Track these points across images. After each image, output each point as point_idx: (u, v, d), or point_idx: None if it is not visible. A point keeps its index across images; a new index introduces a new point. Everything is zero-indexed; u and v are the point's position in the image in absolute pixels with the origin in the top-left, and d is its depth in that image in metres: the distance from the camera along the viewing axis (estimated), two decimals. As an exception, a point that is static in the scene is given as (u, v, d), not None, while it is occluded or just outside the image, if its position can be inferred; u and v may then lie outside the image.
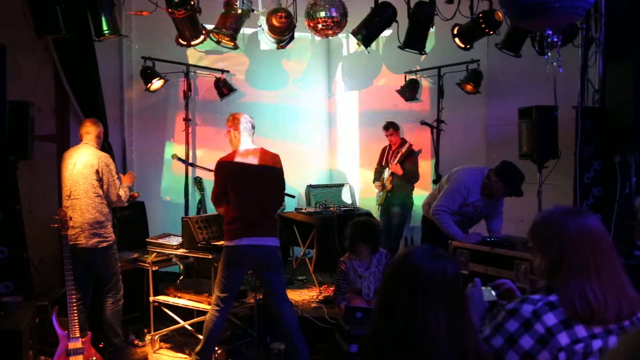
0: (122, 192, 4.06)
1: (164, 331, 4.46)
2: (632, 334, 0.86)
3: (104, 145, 4.65)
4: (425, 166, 6.21)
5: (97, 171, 3.92)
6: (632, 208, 3.92)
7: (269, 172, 3.72)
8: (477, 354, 1.42)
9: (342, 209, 5.98)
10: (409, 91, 6.23)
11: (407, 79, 6.27)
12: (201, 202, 5.89)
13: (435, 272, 1.41)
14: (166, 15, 4.31)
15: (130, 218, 5.06)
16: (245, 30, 5.19)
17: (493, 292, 1.88)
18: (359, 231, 4.20)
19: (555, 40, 3.18)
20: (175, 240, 4.35)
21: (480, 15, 4.65)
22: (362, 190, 7.09)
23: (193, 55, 5.87)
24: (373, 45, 4.97)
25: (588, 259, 1.56)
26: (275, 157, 3.80)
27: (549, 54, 3.53)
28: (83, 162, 3.93)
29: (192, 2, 4.25)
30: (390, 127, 6.22)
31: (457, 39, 4.92)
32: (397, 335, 1.39)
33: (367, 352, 1.47)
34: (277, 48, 4.93)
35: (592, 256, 1.56)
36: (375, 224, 4.47)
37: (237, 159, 3.68)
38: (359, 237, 4.18)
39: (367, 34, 4.74)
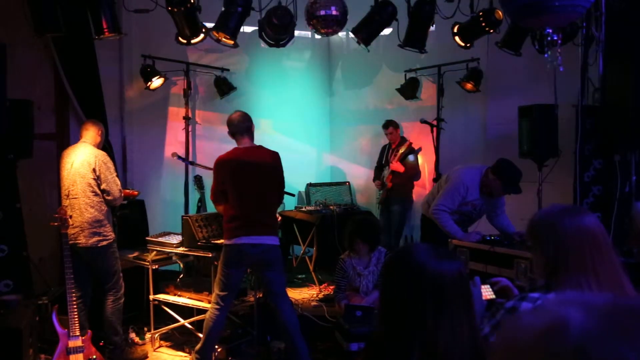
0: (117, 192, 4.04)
1: (164, 329, 4.46)
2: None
3: (105, 144, 4.65)
4: (425, 165, 6.21)
5: (94, 170, 3.91)
6: (630, 213, 3.92)
7: (268, 170, 3.72)
8: (481, 353, 1.41)
9: (342, 207, 5.98)
10: (409, 90, 6.23)
11: (407, 78, 6.27)
12: (201, 201, 5.89)
13: (438, 272, 1.40)
14: (166, 13, 4.31)
15: (130, 216, 5.06)
16: (245, 29, 5.18)
17: (491, 290, 1.88)
18: (357, 229, 4.21)
19: (555, 38, 3.18)
20: (175, 239, 4.35)
21: (481, 13, 4.65)
22: (362, 189, 7.09)
23: (193, 54, 5.87)
24: (373, 43, 4.94)
25: (586, 257, 1.56)
26: (275, 155, 3.79)
27: (549, 52, 3.53)
28: (80, 161, 3.92)
29: (192, 0, 4.25)
30: (390, 126, 6.22)
31: (457, 38, 4.91)
32: (403, 338, 1.36)
33: (371, 353, 1.46)
34: (277, 46, 4.92)
35: (589, 255, 1.56)
36: (375, 222, 4.48)
37: (236, 157, 3.68)
38: (357, 235, 4.19)
39: (367, 32, 4.74)
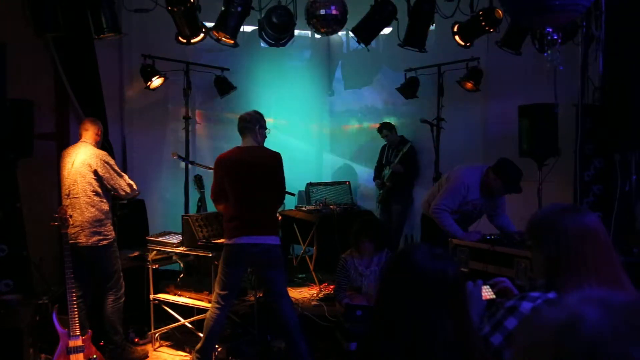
0: (127, 187, 4.07)
1: (165, 329, 4.46)
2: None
3: (104, 144, 4.65)
4: (425, 164, 6.20)
5: (95, 170, 3.91)
6: (634, 215, 3.92)
7: (268, 171, 3.72)
8: (480, 354, 1.41)
9: (342, 207, 5.98)
10: (409, 89, 6.22)
11: (407, 77, 6.27)
12: (201, 200, 5.89)
13: (436, 273, 1.40)
14: (166, 13, 4.31)
15: (130, 216, 5.06)
16: (245, 28, 5.18)
17: (491, 290, 1.88)
18: (365, 227, 4.22)
19: (555, 37, 3.18)
20: (176, 238, 4.35)
21: (481, 12, 4.65)
22: (362, 189, 7.09)
23: (193, 53, 5.87)
24: (373, 42, 4.96)
25: (586, 256, 1.56)
26: (276, 156, 3.79)
27: (549, 51, 3.53)
28: (80, 160, 3.93)
29: (191, 0, 4.25)
30: (384, 129, 6.21)
31: (457, 37, 4.91)
32: (399, 338, 1.37)
33: (366, 353, 1.46)
34: (277, 46, 4.93)
35: (590, 254, 1.56)
36: (384, 224, 4.47)
37: (236, 156, 3.68)
38: (364, 233, 4.18)
39: (367, 31, 4.74)
